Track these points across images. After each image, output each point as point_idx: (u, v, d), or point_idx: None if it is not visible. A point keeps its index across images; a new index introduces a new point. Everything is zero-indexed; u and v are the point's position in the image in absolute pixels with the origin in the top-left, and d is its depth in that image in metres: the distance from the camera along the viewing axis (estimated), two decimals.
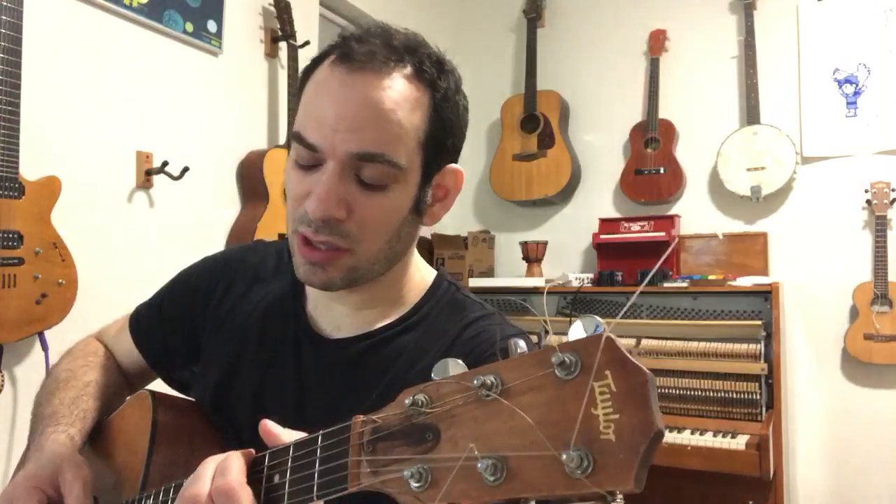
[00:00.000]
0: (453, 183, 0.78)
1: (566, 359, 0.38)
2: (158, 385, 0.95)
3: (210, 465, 0.57)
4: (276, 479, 0.54)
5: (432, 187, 0.76)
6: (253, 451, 0.58)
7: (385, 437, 0.46)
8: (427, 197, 0.75)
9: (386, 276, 0.78)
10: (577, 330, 0.40)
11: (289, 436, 0.57)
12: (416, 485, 0.43)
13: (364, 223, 0.70)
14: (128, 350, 0.96)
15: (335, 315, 0.81)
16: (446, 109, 0.73)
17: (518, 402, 0.40)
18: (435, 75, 0.72)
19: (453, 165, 0.77)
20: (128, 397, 0.93)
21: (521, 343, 0.42)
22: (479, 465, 0.40)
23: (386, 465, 0.45)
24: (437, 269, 0.86)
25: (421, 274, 0.84)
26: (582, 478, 0.36)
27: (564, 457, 0.37)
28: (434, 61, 0.73)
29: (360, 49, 0.69)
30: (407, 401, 0.45)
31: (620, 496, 0.36)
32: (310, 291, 0.84)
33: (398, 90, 0.69)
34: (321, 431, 0.52)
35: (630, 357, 0.37)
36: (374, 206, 0.70)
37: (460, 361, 0.45)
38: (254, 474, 0.56)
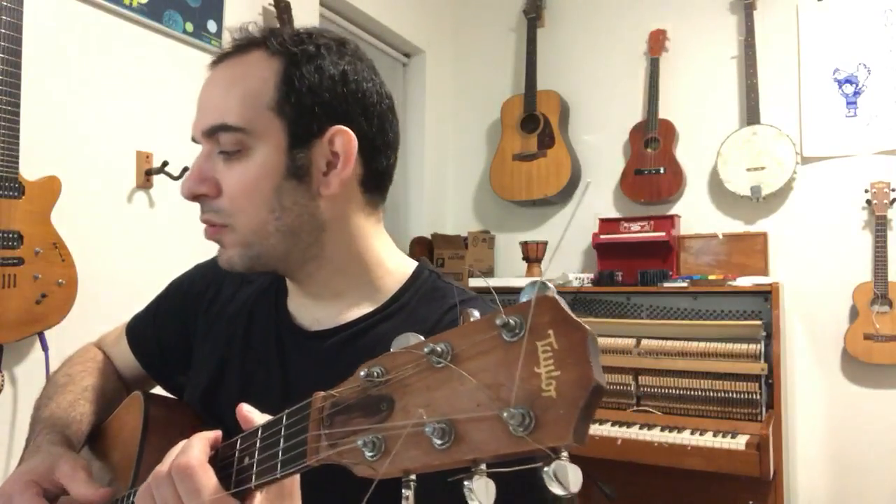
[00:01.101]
0: (343, 146, 0.73)
1: (511, 320, 0.39)
2: (156, 392, 0.96)
3: (177, 447, 0.58)
4: (246, 460, 0.56)
5: (321, 153, 0.73)
6: (220, 432, 0.60)
7: (342, 411, 0.47)
8: (305, 162, 0.72)
9: (329, 261, 0.77)
10: (526, 294, 0.40)
11: (261, 418, 0.58)
12: (370, 454, 0.44)
13: (231, 195, 0.72)
14: (125, 357, 0.98)
15: (313, 309, 0.81)
16: (302, 72, 0.72)
17: (466, 366, 0.41)
18: (286, 45, 0.73)
19: (339, 126, 0.73)
20: None
21: (475, 312, 0.43)
22: (426, 429, 0.41)
23: (343, 436, 0.46)
24: (417, 260, 0.85)
25: (398, 263, 0.82)
26: (524, 435, 0.37)
27: (506, 415, 0.38)
28: (288, 36, 0.74)
29: (225, 49, 0.77)
30: (362, 373, 0.46)
31: (565, 453, 0.37)
32: (289, 287, 0.85)
33: (238, 67, 0.74)
34: (286, 411, 0.53)
35: (571, 315, 0.38)
36: (235, 174, 0.72)
37: (417, 334, 0.46)
38: (226, 458, 0.57)
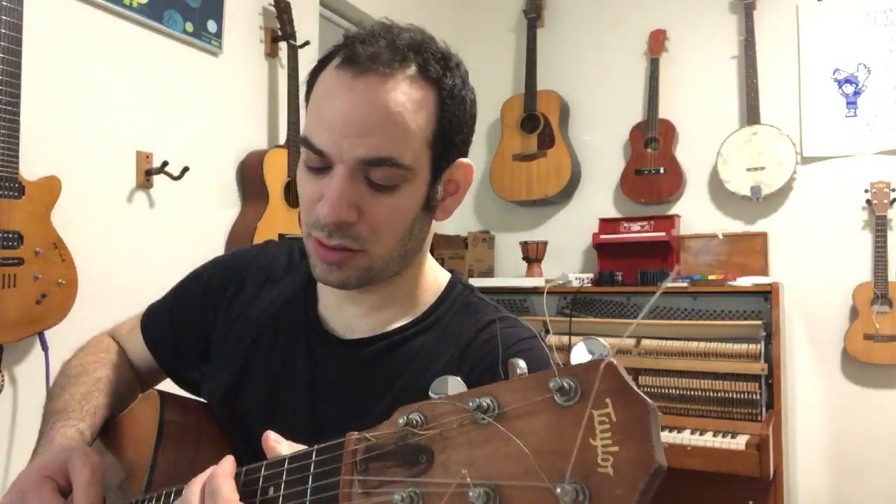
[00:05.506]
0: (463, 177, 0.79)
1: (565, 384, 0.37)
2: (168, 384, 0.95)
3: (195, 487, 0.56)
4: (271, 491, 0.54)
5: (443, 183, 0.76)
6: (232, 457, 0.58)
7: (378, 457, 0.45)
8: (437, 193, 0.75)
9: (400, 276, 0.78)
10: (580, 352, 0.38)
11: (288, 448, 0.56)
12: None
13: (375, 224, 0.70)
14: (139, 349, 0.97)
15: (347, 316, 0.81)
16: (453, 106, 0.73)
17: (514, 427, 0.39)
18: (440, 72, 0.72)
19: (463, 160, 0.78)
20: (139, 395, 0.93)
21: (521, 363, 0.41)
22: (470, 493, 0.38)
23: (378, 486, 0.44)
24: (449, 271, 0.85)
25: (434, 275, 0.83)
26: None
27: (559, 490, 0.35)
28: (439, 58, 0.73)
29: (365, 51, 0.69)
30: (401, 420, 0.44)
31: None
32: (321, 292, 0.84)
33: (403, 91, 0.69)
34: (316, 446, 0.51)
35: (632, 386, 0.36)
36: (385, 207, 0.70)
37: (459, 379, 0.44)
38: (249, 484, 0.56)
